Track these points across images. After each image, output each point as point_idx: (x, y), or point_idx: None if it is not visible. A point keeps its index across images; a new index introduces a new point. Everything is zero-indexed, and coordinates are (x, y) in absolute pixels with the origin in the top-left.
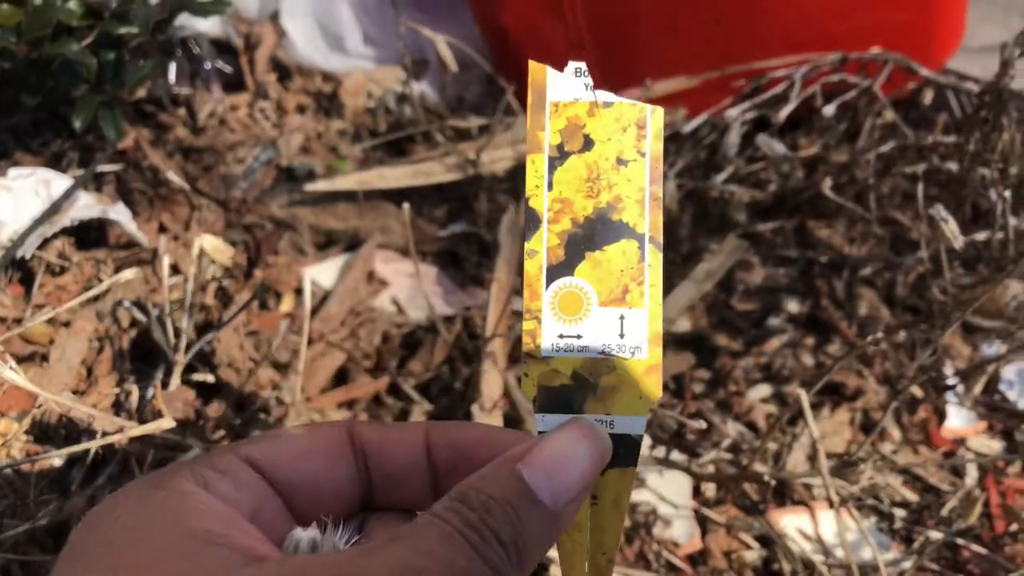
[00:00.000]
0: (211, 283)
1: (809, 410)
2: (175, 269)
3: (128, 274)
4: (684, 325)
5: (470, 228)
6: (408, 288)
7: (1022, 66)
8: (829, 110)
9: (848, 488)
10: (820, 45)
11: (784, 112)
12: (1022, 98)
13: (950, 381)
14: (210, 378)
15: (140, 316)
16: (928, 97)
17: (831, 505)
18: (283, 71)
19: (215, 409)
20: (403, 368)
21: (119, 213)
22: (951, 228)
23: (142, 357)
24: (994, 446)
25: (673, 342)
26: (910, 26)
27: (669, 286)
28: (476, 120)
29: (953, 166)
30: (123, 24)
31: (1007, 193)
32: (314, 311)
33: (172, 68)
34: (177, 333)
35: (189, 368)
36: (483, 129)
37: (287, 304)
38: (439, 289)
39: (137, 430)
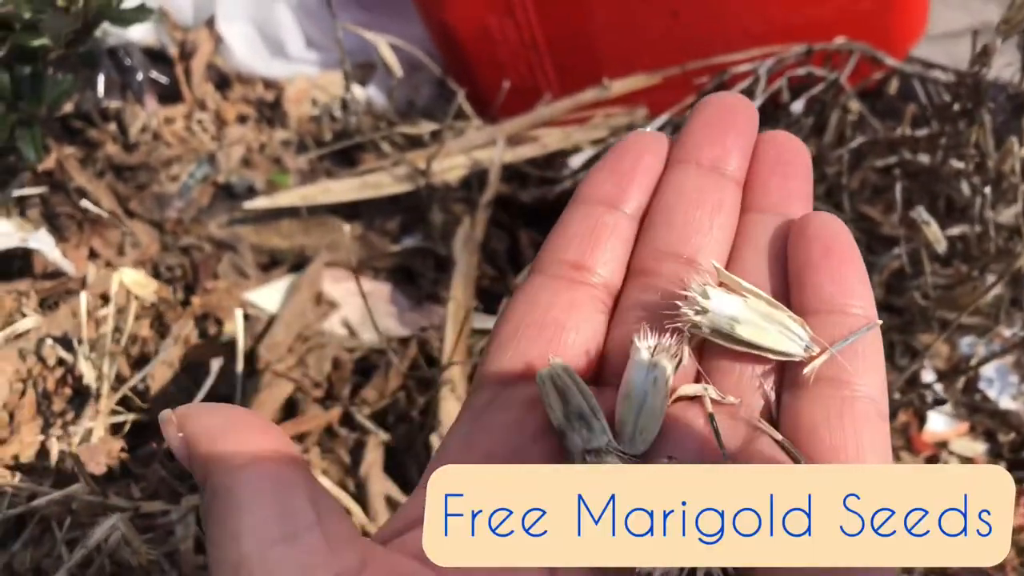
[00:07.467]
0: (144, 317)
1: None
2: (105, 299)
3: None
4: None
5: (424, 242)
6: (360, 309)
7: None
8: (797, 106)
9: None
10: (778, 38)
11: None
12: (999, 87)
13: (931, 384)
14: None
15: (66, 354)
16: (894, 87)
17: None
18: (222, 80)
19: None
20: (356, 396)
21: (40, 241)
22: (933, 231)
23: (71, 400)
24: (977, 448)
25: None
26: (871, 15)
27: None
28: (428, 125)
29: (925, 159)
30: (35, 36)
31: (987, 189)
32: (259, 338)
33: (100, 81)
34: (100, 376)
35: (124, 408)
36: (435, 135)
37: (230, 332)
38: (393, 309)
39: (47, 497)
